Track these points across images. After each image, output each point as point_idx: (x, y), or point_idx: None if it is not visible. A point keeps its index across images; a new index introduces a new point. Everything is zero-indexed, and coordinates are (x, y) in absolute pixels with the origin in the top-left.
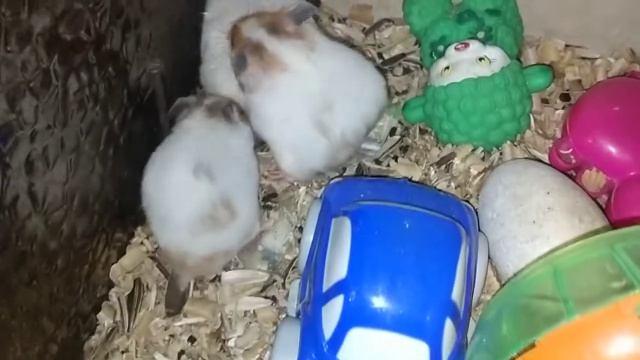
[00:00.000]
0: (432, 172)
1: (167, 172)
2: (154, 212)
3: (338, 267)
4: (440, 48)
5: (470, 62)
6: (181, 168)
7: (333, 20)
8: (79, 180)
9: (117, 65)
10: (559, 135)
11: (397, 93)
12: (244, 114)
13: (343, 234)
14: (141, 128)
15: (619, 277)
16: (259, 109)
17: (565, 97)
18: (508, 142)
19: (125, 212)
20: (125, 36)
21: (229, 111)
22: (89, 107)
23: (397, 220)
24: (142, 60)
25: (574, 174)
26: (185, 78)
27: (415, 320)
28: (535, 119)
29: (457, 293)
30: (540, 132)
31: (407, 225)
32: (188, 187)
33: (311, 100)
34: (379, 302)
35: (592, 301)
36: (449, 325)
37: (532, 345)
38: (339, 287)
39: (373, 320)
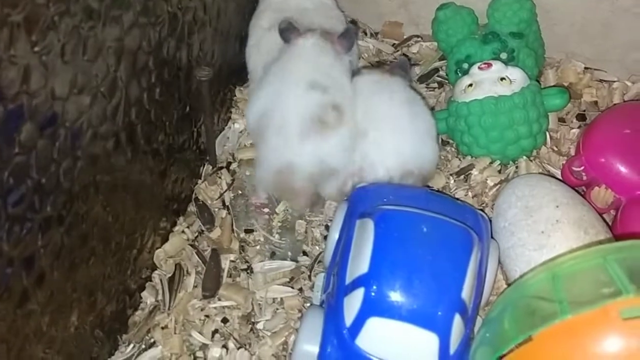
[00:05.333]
0: (452, 182)
1: (286, 87)
2: (270, 124)
3: (360, 263)
4: (465, 66)
5: (492, 81)
6: (299, 84)
7: (366, 34)
8: (134, 172)
9: (170, 71)
10: (573, 152)
11: None
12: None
13: (366, 234)
14: (188, 128)
15: (608, 284)
16: None
17: (581, 117)
18: (524, 157)
19: (169, 202)
20: (179, 45)
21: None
22: (145, 109)
23: (415, 224)
24: (192, 67)
25: (584, 190)
26: (229, 80)
27: (428, 313)
28: (551, 137)
29: (466, 292)
30: (556, 149)
31: (425, 229)
32: (303, 97)
33: None
34: (396, 295)
35: (583, 303)
36: (457, 320)
37: (529, 339)
38: (361, 281)
39: (390, 311)
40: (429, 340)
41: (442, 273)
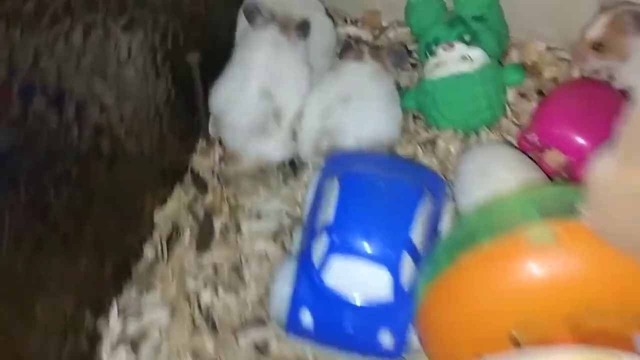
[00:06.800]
0: (420, 151)
1: (240, 93)
2: (225, 121)
3: (327, 214)
4: (434, 48)
5: (455, 60)
6: (251, 92)
7: (346, 21)
8: (134, 142)
9: (163, 55)
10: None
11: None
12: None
13: (333, 190)
14: (181, 107)
15: (521, 215)
16: None
17: (540, 92)
18: (485, 128)
19: (168, 172)
20: (169, 31)
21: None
22: (141, 87)
23: (374, 182)
24: (182, 52)
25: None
26: (220, 63)
27: (380, 251)
28: (512, 110)
29: (416, 236)
30: (515, 121)
31: (382, 185)
32: (253, 105)
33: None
34: (354, 238)
35: (499, 230)
36: (407, 258)
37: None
38: (327, 228)
39: (350, 250)
40: (382, 275)
41: (393, 219)
